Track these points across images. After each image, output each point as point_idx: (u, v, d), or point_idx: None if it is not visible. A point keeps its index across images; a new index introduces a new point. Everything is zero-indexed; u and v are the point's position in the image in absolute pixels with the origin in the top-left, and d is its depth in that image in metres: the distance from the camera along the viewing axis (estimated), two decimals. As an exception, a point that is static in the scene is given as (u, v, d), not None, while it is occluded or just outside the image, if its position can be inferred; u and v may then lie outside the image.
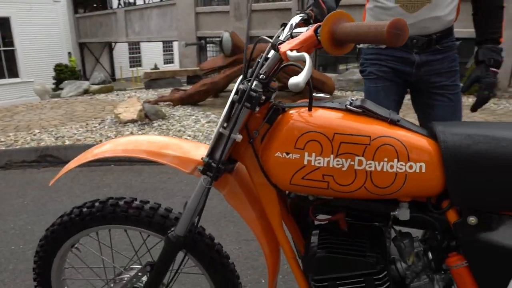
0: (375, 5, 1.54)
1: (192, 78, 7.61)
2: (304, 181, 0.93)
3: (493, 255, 0.87)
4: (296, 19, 1.10)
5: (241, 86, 0.94)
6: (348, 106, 0.94)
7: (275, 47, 0.87)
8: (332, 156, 0.90)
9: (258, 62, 0.97)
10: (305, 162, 0.92)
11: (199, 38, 11.29)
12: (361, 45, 1.69)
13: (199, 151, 1.12)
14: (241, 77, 1.01)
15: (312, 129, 0.91)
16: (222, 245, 1.22)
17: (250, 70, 0.98)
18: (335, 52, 0.74)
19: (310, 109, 0.94)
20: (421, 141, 0.90)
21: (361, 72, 1.71)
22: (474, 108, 1.49)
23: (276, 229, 1.06)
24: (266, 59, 0.94)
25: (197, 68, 7.87)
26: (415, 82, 1.56)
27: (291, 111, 0.96)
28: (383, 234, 1.03)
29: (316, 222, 1.08)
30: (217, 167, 0.98)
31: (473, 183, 0.87)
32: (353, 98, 0.98)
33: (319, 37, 0.76)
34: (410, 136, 0.90)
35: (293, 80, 0.71)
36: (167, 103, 5.64)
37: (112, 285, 1.24)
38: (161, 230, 1.16)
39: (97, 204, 1.18)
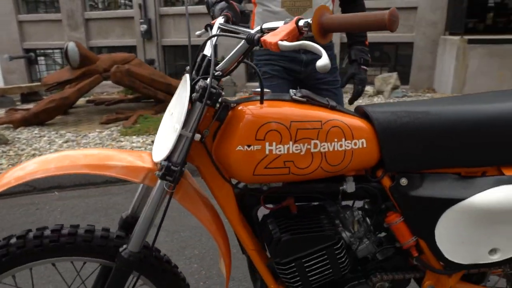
0: (264, 9, 1.68)
1: (28, 96, 6.67)
2: (267, 170, 0.97)
3: (422, 206, 1.06)
4: (220, 20, 1.14)
5: (201, 84, 0.92)
6: (294, 97, 1.03)
7: (253, 40, 0.88)
8: (291, 142, 0.97)
9: (209, 59, 0.97)
10: (267, 152, 0.96)
11: (27, 51, 9.94)
12: (255, 47, 1.82)
13: (144, 158, 1.04)
14: (187, 76, 0.99)
15: (270, 120, 0.96)
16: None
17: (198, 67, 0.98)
18: (322, 40, 0.81)
19: (262, 102, 0.99)
20: (359, 121, 1.04)
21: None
22: (351, 101, 1.74)
23: (235, 224, 1.07)
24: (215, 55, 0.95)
25: (34, 84, 6.95)
26: (304, 79, 1.75)
27: (241, 107, 0.99)
28: (326, 210, 1.15)
29: (265, 212, 1.14)
30: (180, 169, 0.94)
31: (401, 150, 1.05)
32: (293, 91, 1.07)
33: (304, 29, 0.81)
34: (349, 118, 1.03)
35: (321, 62, 0.73)
36: (5, 125, 4.84)
37: None
38: (102, 253, 1.04)
39: (14, 240, 0.99)
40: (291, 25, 0.81)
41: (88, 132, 4.52)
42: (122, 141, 4.02)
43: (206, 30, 1.17)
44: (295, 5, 1.66)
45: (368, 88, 6.84)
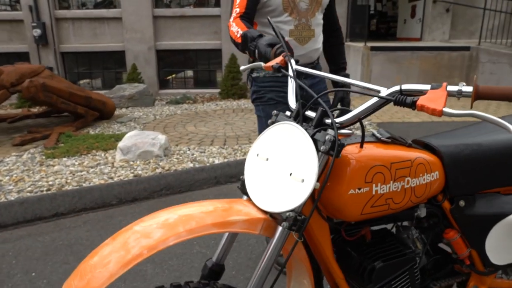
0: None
1: None
2: (372, 208, 1.04)
3: (477, 222, 1.23)
4: (293, 63, 1.15)
5: (328, 137, 0.94)
6: (382, 139, 1.10)
7: (405, 103, 0.89)
8: (391, 182, 1.05)
9: (324, 111, 0.99)
10: (373, 193, 1.03)
11: None
12: (257, 74, 1.85)
13: (250, 207, 1.01)
14: (292, 124, 0.98)
15: (376, 163, 1.02)
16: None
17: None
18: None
19: (362, 146, 1.05)
20: (432, 157, 1.16)
21: (258, 98, 1.89)
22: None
23: (329, 256, 1.11)
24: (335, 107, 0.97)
25: None
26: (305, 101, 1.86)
27: (346, 153, 1.03)
28: (392, 233, 1.25)
29: (347, 239, 1.19)
30: (308, 219, 0.94)
31: (462, 177, 1.21)
32: (374, 131, 1.14)
33: (457, 95, 0.84)
34: (426, 154, 1.14)
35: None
36: None
37: None
38: None
39: None
40: (443, 92, 0.85)
41: (3, 156, 3.95)
42: (53, 165, 3.61)
43: (279, 70, 1.17)
44: (302, 35, 1.79)
45: (287, 93, 7.20)
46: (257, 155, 1.05)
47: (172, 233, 0.88)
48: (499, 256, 1.27)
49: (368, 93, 0.98)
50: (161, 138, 3.80)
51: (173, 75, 9.09)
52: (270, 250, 0.97)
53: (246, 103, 7.03)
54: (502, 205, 1.24)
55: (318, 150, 0.95)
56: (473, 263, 1.30)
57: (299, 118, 1.03)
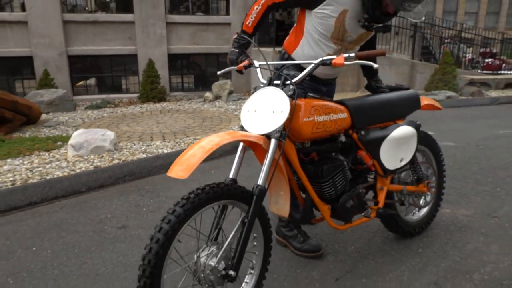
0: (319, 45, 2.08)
1: None
2: (317, 130, 1.77)
3: (372, 143, 2.02)
4: (255, 63, 1.85)
5: (291, 87, 1.68)
6: (310, 94, 1.83)
7: (326, 63, 1.65)
8: (324, 115, 1.78)
9: (285, 77, 1.69)
10: (316, 120, 1.75)
11: None
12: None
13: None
14: (269, 87, 1.70)
15: (314, 104, 1.76)
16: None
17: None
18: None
19: (306, 98, 1.77)
20: (342, 106, 1.92)
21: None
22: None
23: (298, 166, 1.79)
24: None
25: None
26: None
27: (298, 101, 1.72)
28: (331, 155, 1.97)
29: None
30: (287, 132, 1.68)
31: (361, 118, 1.98)
32: (310, 94, 1.84)
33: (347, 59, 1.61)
34: (339, 105, 1.90)
35: (375, 66, 1.55)
36: None
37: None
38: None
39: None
40: (342, 56, 1.61)
41: None
42: (1, 166, 3.69)
43: (249, 67, 1.89)
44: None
45: (208, 94, 7.77)
46: (248, 111, 1.70)
47: (222, 139, 1.49)
48: (389, 163, 2.09)
49: (307, 62, 1.77)
50: (110, 134, 4.11)
51: (86, 81, 9.01)
52: (269, 155, 1.61)
53: (169, 105, 7.42)
54: (383, 132, 2.08)
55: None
56: (376, 170, 2.09)
57: (272, 84, 1.72)
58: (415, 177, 2.34)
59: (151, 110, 6.91)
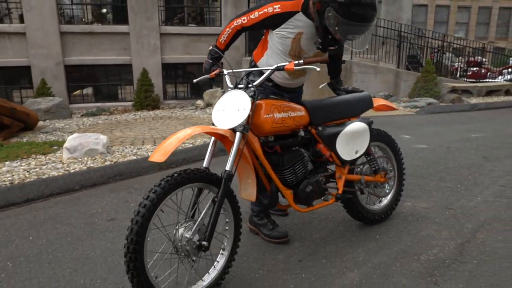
0: (280, 59, 2.31)
1: None
2: (276, 125, 2.06)
3: (329, 137, 2.31)
4: (224, 71, 2.15)
5: (252, 89, 1.98)
6: (272, 96, 2.12)
7: (280, 68, 1.94)
8: (282, 112, 2.08)
9: (248, 81, 1.99)
10: (275, 117, 2.05)
11: None
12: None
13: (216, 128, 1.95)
14: (235, 90, 2.00)
15: (274, 104, 2.07)
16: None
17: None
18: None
19: (267, 98, 2.07)
20: (300, 106, 2.22)
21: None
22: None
23: (262, 158, 2.08)
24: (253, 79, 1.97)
25: None
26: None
27: (259, 102, 2.02)
28: (293, 147, 2.26)
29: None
30: (249, 126, 1.98)
31: (318, 116, 2.28)
32: (272, 96, 2.14)
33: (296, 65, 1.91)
34: (298, 105, 2.20)
35: (318, 69, 1.85)
36: None
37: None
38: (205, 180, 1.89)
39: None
40: (292, 63, 1.91)
41: None
42: (1, 167, 3.95)
43: (220, 75, 2.20)
44: (294, 73, 2.34)
45: (200, 101, 8.07)
46: (217, 111, 2.00)
47: (194, 131, 1.79)
48: (345, 154, 2.39)
49: (265, 68, 2.08)
50: (103, 138, 4.38)
51: (82, 90, 9.31)
52: (234, 145, 1.89)
53: (162, 112, 7.71)
54: (338, 127, 2.38)
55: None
56: (334, 161, 2.40)
57: (237, 87, 2.03)
58: (373, 169, 2.62)
59: (144, 117, 7.20)
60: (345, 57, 9.54)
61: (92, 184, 3.57)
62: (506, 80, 12.36)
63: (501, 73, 13.66)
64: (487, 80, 12.57)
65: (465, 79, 12.97)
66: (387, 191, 2.77)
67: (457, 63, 13.42)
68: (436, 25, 31.88)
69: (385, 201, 2.81)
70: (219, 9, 9.85)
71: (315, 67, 1.93)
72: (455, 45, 13.13)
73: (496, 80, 12.65)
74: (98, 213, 3.04)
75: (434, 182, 3.65)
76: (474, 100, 9.07)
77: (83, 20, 9.39)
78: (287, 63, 1.97)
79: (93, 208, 3.14)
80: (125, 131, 5.86)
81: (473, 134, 5.74)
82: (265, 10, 2.16)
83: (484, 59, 15.18)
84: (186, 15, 10.14)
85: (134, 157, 4.24)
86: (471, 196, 3.30)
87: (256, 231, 2.63)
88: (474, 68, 13.41)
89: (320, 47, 2.18)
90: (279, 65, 2.00)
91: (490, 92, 9.93)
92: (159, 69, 9.30)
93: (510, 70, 13.38)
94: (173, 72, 9.82)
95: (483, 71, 13.55)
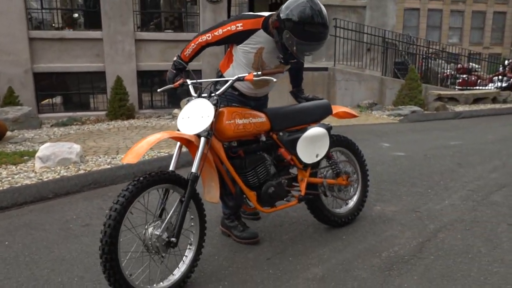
0: (244, 70, 2.76)
1: None
2: (238, 130, 2.44)
3: (290, 142, 2.71)
4: (188, 81, 2.52)
5: (215, 98, 2.34)
6: (235, 104, 2.52)
7: (240, 79, 2.34)
8: (243, 119, 2.46)
9: (211, 91, 2.37)
10: (236, 123, 2.43)
11: None
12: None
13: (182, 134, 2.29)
14: (199, 99, 2.35)
15: (235, 111, 2.45)
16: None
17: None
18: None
19: (229, 106, 2.45)
20: (261, 113, 2.62)
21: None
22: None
23: (227, 162, 2.44)
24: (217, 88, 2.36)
25: None
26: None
27: (221, 109, 2.39)
28: (255, 152, 2.64)
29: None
30: (213, 131, 2.33)
31: (279, 122, 2.69)
32: (233, 104, 2.53)
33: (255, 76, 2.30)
34: (258, 112, 2.60)
35: (274, 80, 2.27)
36: None
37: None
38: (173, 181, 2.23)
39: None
40: (251, 74, 2.30)
41: None
42: (-29, 177, 4.22)
43: (183, 85, 2.55)
44: (257, 83, 2.71)
45: (177, 110, 8.41)
46: (182, 118, 2.35)
47: (163, 135, 2.15)
48: (306, 158, 2.78)
49: (226, 79, 2.47)
50: (76, 147, 4.69)
51: (52, 99, 9.55)
52: (199, 149, 2.25)
53: (138, 122, 8.03)
54: (298, 133, 2.78)
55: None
56: (295, 164, 2.78)
57: (200, 96, 2.39)
58: (335, 172, 3.01)
59: (118, 127, 7.50)
60: (328, 64, 10.05)
61: (66, 193, 3.87)
62: (496, 88, 13.04)
63: (491, 80, 14.37)
64: (476, 88, 13.23)
65: (455, 87, 13.65)
66: (351, 193, 3.16)
67: (447, 70, 14.10)
68: (429, 30, 32.96)
69: (351, 203, 3.19)
70: (197, 13, 10.27)
71: (272, 78, 2.32)
72: (446, 52, 13.82)
73: (486, 87, 13.34)
74: (73, 220, 3.35)
75: (406, 187, 4.07)
76: (460, 108, 9.64)
77: (53, 25, 9.68)
78: (247, 74, 2.36)
79: (68, 215, 3.44)
80: (99, 141, 6.16)
81: (452, 141, 6.21)
82: (229, 28, 2.55)
83: (477, 66, 15.96)
84: (163, 20, 10.52)
85: (109, 166, 4.55)
86: (439, 200, 3.71)
87: (228, 233, 2.97)
88: (464, 75, 14.10)
89: (282, 61, 2.60)
90: (239, 76, 2.40)
91: (477, 100, 10.54)
92: (134, 76, 9.61)
93: (500, 77, 14.09)
94: (149, 80, 10.15)
95: (473, 78, 14.26)
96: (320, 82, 9.46)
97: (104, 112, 8.95)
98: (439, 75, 13.23)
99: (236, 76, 2.41)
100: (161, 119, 8.40)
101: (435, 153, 5.46)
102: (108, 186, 4.12)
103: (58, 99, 9.65)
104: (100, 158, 5.00)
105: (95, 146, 5.83)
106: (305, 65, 3.19)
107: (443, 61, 13.74)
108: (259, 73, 2.31)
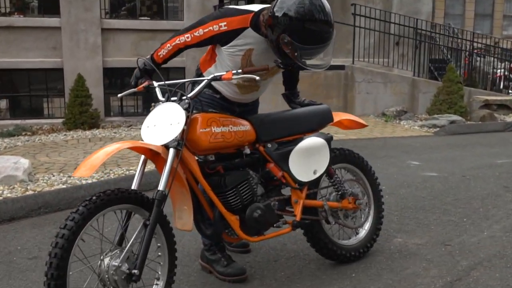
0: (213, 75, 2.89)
1: None
2: (215, 140, 2.55)
3: (280, 155, 2.85)
4: (155, 83, 2.68)
5: (186, 102, 2.48)
6: (212, 110, 2.67)
7: (217, 79, 2.51)
8: (222, 127, 2.59)
9: (182, 94, 2.52)
10: (213, 131, 2.55)
11: None
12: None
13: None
14: (166, 103, 2.50)
15: (211, 117, 2.59)
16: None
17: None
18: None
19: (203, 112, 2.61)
20: (245, 120, 2.77)
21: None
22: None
23: (200, 177, 2.56)
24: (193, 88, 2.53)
25: None
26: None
27: (195, 115, 2.52)
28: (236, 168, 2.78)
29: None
30: (184, 141, 2.43)
31: (266, 131, 2.83)
32: (211, 110, 2.68)
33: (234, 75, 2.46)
34: (242, 119, 2.74)
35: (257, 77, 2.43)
36: None
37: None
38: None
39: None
40: (230, 73, 2.45)
41: None
42: None
43: (149, 87, 2.70)
44: (245, 87, 2.90)
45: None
46: (147, 127, 2.48)
47: (123, 145, 2.30)
48: (301, 175, 2.90)
49: (200, 79, 2.63)
50: (24, 162, 4.84)
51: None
52: (168, 162, 2.36)
53: (103, 132, 8.18)
54: (290, 145, 2.90)
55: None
56: (288, 182, 2.89)
57: (169, 100, 2.53)
58: (338, 194, 3.13)
59: (78, 138, 7.66)
60: (345, 61, 10.21)
61: (9, 218, 4.00)
62: None
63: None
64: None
65: (509, 91, 13.80)
66: (362, 220, 3.26)
67: (500, 70, 14.22)
68: (478, 19, 33.18)
69: (362, 232, 3.30)
70: (181, -3, 10.46)
71: (254, 76, 2.46)
72: (499, 47, 13.96)
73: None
74: (18, 251, 3.47)
75: (436, 215, 4.19)
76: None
77: (0, 10, 9.87)
78: (224, 73, 2.50)
79: (11, 245, 3.56)
80: (53, 156, 6.31)
81: (499, 159, 6.35)
82: (210, 28, 2.67)
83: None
84: (138, 5, 10.70)
85: (64, 186, 4.68)
86: (476, 231, 3.83)
87: (209, 269, 3.08)
88: (520, 77, 14.25)
89: (281, 66, 2.75)
90: (215, 75, 2.54)
91: (536, 107, 10.69)
92: (100, 75, 9.74)
93: None
94: (119, 80, 10.29)
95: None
96: (334, 84, 9.61)
97: (61, 120, 9.02)
98: (489, 76, 13.37)
99: (211, 75, 2.54)
100: (132, 129, 8.55)
101: (476, 173, 5.59)
102: (63, 211, 4.24)
103: (2, 103, 9.75)
104: (53, 176, 5.14)
105: (48, 161, 5.98)
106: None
107: (495, 59, 13.88)
108: (239, 71, 2.45)
